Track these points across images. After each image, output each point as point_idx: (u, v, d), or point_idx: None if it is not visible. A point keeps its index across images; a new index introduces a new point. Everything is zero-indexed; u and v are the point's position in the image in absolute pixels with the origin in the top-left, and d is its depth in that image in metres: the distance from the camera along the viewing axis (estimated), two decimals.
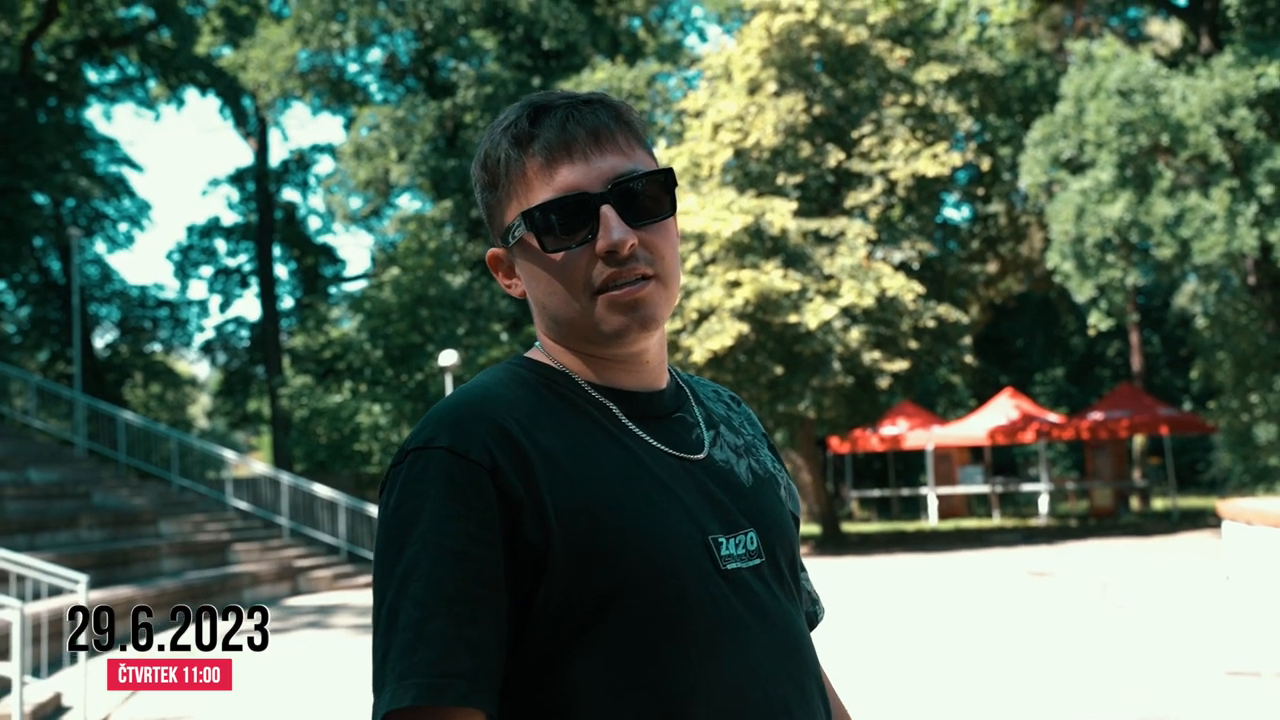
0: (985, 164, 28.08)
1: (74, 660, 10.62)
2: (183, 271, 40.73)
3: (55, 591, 11.16)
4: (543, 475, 1.35)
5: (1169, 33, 33.93)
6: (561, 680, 1.35)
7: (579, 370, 1.48)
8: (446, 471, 1.34)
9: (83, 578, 8.65)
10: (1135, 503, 33.12)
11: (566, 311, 1.44)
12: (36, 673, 9.49)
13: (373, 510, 22.38)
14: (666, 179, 1.46)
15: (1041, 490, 31.82)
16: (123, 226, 38.91)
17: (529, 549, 1.33)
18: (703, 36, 60.02)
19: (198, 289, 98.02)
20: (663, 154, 27.51)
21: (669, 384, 1.55)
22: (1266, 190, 21.96)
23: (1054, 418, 31.42)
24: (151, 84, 36.72)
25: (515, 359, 1.52)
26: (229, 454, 24.44)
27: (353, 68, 40.15)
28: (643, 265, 1.42)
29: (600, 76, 33.11)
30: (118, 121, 77.54)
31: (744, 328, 22.37)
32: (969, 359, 26.11)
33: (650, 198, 1.44)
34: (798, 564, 1.56)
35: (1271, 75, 21.53)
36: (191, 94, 41.96)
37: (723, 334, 22.33)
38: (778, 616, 1.44)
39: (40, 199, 32.85)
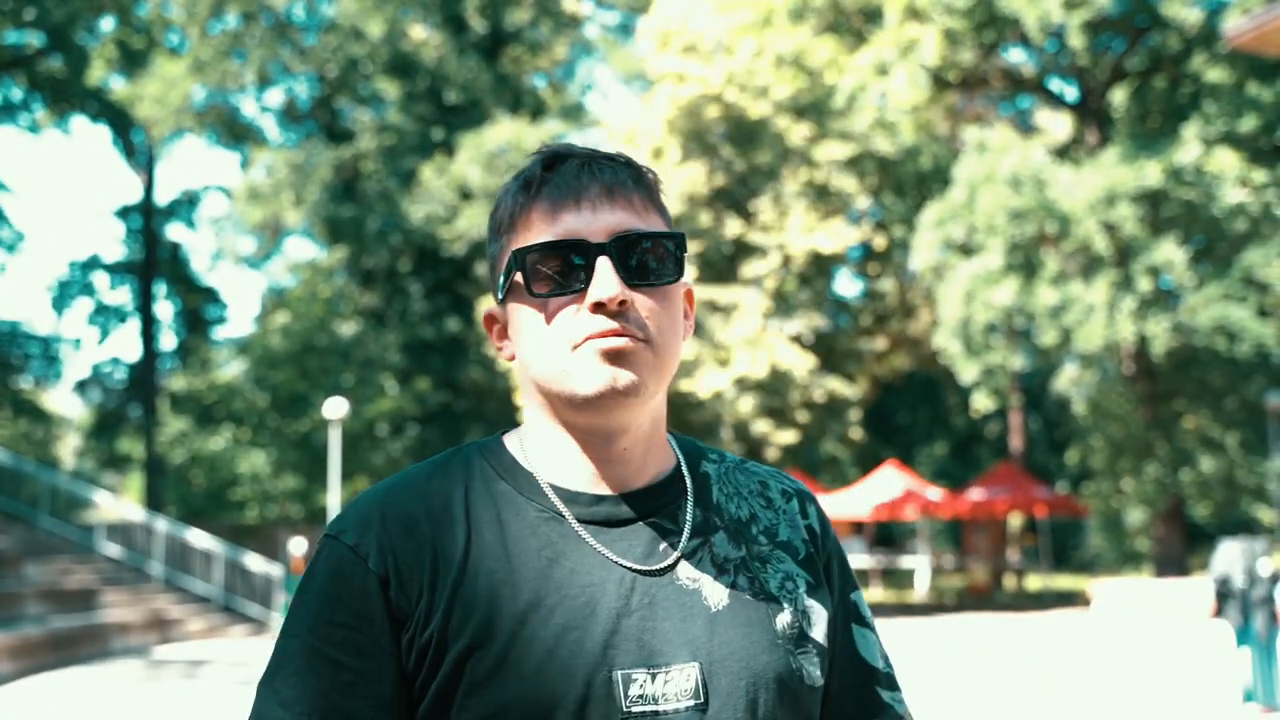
0: (879, 242, 28.85)
1: None
2: (60, 305, 39.79)
3: None
4: (441, 591, 1.29)
5: (1057, 124, 35.29)
6: None
7: (543, 459, 1.37)
8: (343, 571, 1.30)
9: None
10: (1010, 581, 33.90)
11: (547, 368, 1.33)
12: None
13: (249, 561, 22.00)
14: (677, 245, 1.35)
15: (920, 566, 32.43)
16: None
17: (412, 667, 1.29)
18: (605, 97, 60.77)
19: (73, 324, 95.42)
20: None
21: (660, 479, 1.39)
22: (1145, 283, 22.94)
23: (935, 493, 32.11)
24: (37, 110, 36.06)
25: (482, 442, 1.43)
26: (103, 496, 23.85)
27: (250, 108, 39.93)
28: (633, 326, 1.30)
29: (503, 134, 33.35)
30: None
31: None
32: (856, 433, 26.64)
33: (655, 259, 1.33)
34: (779, 703, 1.33)
35: (1153, 173, 22.54)
36: (80, 122, 41.15)
37: None
38: None
39: None
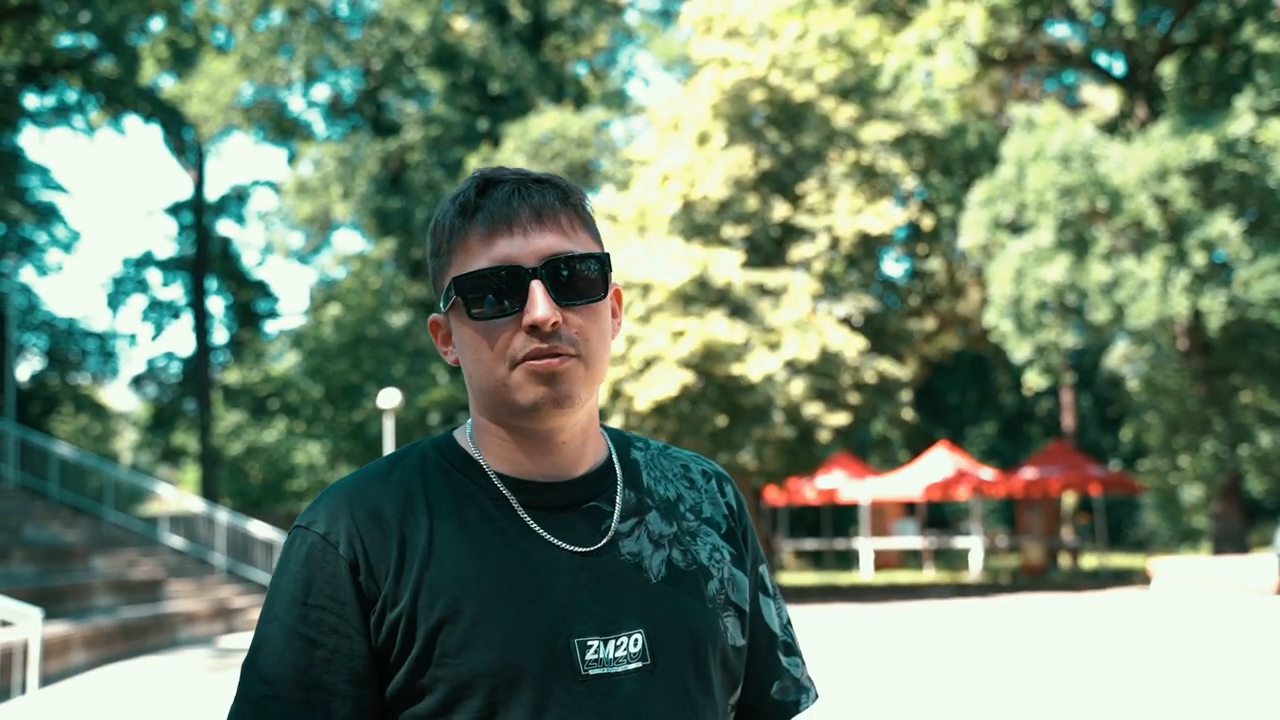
0: (927, 222, 28.72)
1: (16, 694, 10.58)
2: (115, 302, 40.35)
3: None
4: (407, 574, 1.40)
5: (1104, 99, 34.98)
6: None
7: (491, 454, 1.49)
8: (315, 558, 1.41)
9: (36, 612, 8.66)
10: (1065, 560, 33.74)
11: (488, 380, 1.44)
12: None
13: None
14: (603, 264, 1.46)
15: (974, 546, 32.34)
16: (52, 254, 38.47)
17: (382, 643, 1.40)
18: (647, 83, 60.72)
19: (128, 320, 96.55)
20: (609, 202, 27.84)
21: (596, 468, 1.52)
22: (1199, 258, 22.72)
23: (987, 473, 31.98)
24: (92, 111, 36.53)
25: (435, 438, 1.54)
26: (165, 489, 24.21)
27: (297, 103, 40.23)
28: (565, 344, 1.42)
29: (547, 123, 33.46)
30: (49, 146, 76.92)
31: (688, 378, 22.67)
32: (907, 414, 26.58)
33: (583, 279, 1.44)
34: (713, 663, 1.49)
35: (1205, 146, 22.32)
36: (133, 122, 41.60)
37: (667, 383, 22.60)
38: None
39: None
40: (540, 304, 1.40)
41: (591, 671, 1.40)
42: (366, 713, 1.40)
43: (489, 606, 1.39)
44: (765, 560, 1.67)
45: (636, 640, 1.43)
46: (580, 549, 1.46)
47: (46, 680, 11.60)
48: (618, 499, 1.51)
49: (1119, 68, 30.05)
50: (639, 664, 1.42)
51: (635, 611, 1.44)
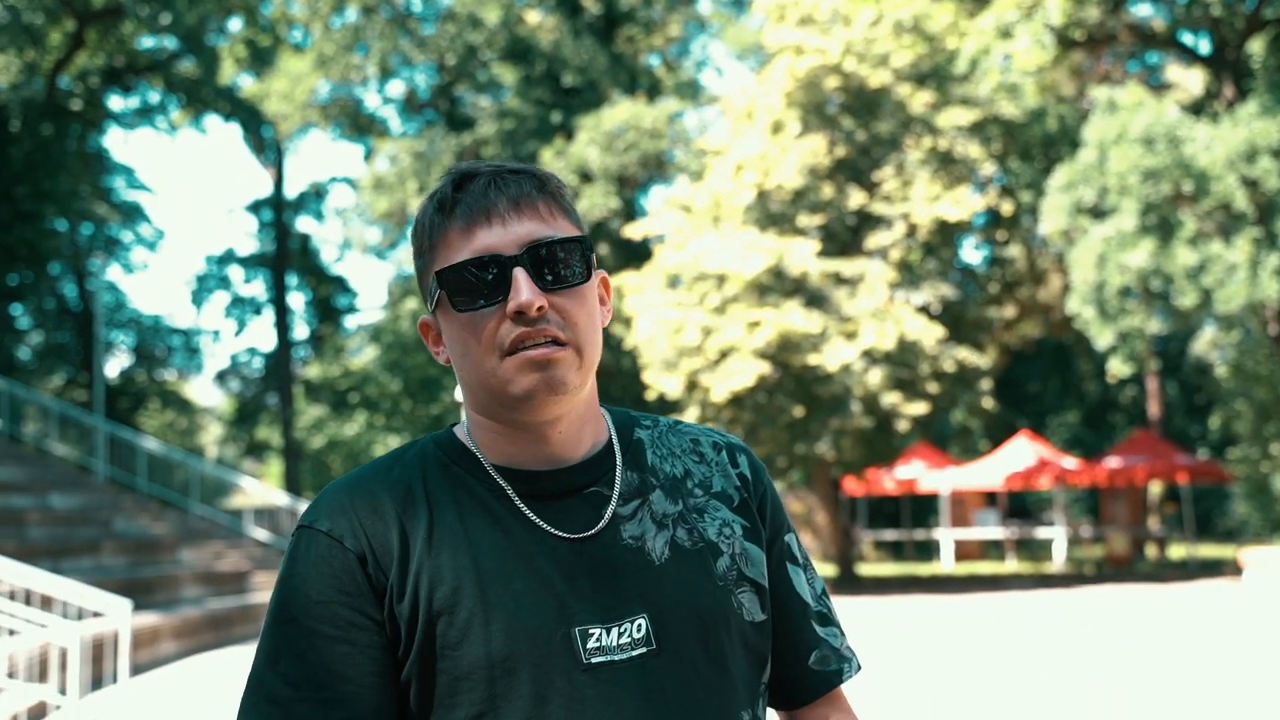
0: (1006, 208, 28.35)
1: (107, 683, 10.82)
2: (198, 299, 41.07)
3: (78, 616, 11.35)
4: (408, 566, 1.41)
5: (1189, 79, 34.29)
6: None
7: (487, 446, 1.49)
8: (323, 556, 1.41)
9: (126, 603, 8.85)
10: (1152, 550, 33.19)
11: (478, 373, 1.44)
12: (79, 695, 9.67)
13: None
14: (583, 246, 1.46)
15: (1057, 536, 31.92)
16: (138, 252, 39.23)
17: (392, 635, 1.41)
18: (720, 73, 60.54)
19: (212, 316, 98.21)
20: (683, 192, 27.82)
21: (595, 452, 1.52)
22: None
23: (1070, 462, 31.54)
24: (173, 111, 37.19)
25: (435, 435, 1.55)
26: (249, 482, 24.61)
27: (372, 99, 40.67)
28: (553, 328, 1.42)
29: (621, 115, 33.49)
30: (133, 146, 78.61)
31: (765, 368, 22.60)
32: (987, 403, 26.29)
33: (565, 264, 1.44)
34: (728, 641, 1.48)
35: None
36: (213, 121, 42.33)
37: (743, 374, 22.55)
38: (661, 709, 1.40)
39: (60, 225, 33.23)
40: (524, 289, 1.40)
41: (594, 660, 1.39)
42: (390, 703, 1.41)
43: (486, 598, 1.39)
44: (792, 529, 1.65)
45: (640, 625, 1.42)
46: (578, 536, 1.45)
47: (137, 670, 11.85)
48: (617, 481, 1.51)
49: (1205, 46, 29.45)
50: (644, 649, 1.42)
51: (637, 596, 1.44)
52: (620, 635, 1.41)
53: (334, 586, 1.41)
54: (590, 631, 1.40)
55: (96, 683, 10.75)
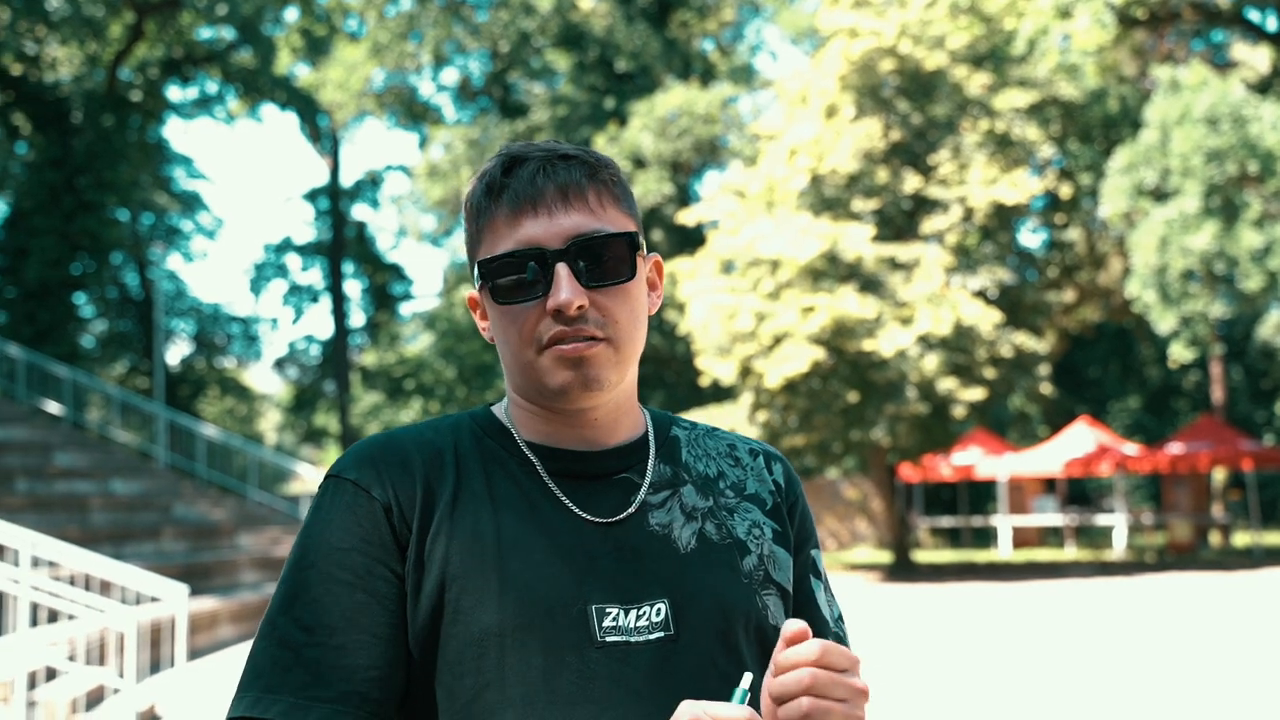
0: (1065, 191, 28.00)
1: (165, 667, 10.96)
2: (257, 287, 41.53)
3: (139, 600, 11.49)
4: (430, 526, 1.39)
5: (1256, 57, 33.66)
6: (423, 714, 1.40)
7: (522, 424, 1.49)
8: (349, 504, 1.40)
9: (183, 588, 8.96)
10: (1215, 538, 32.73)
11: (516, 363, 1.44)
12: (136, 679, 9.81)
13: None
14: (631, 242, 1.43)
15: (1117, 523, 31.56)
16: (197, 241, 39.71)
17: (412, 588, 1.38)
18: (774, 57, 60.26)
19: (270, 304, 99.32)
20: (737, 177, 27.71)
21: (630, 441, 1.51)
22: None
23: (1131, 449, 31.16)
24: (231, 100, 37.56)
25: (472, 410, 1.55)
26: (306, 469, 24.85)
27: (427, 87, 40.84)
28: (592, 327, 1.40)
29: (674, 100, 33.41)
30: (192, 136, 79.49)
31: (819, 354, 22.49)
32: (1046, 388, 26.01)
33: (611, 259, 1.42)
34: (744, 638, 1.44)
35: None
36: (270, 110, 42.72)
37: (797, 360, 22.45)
38: (673, 695, 1.34)
39: (121, 214, 33.68)
40: (565, 288, 1.38)
41: (609, 639, 1.37)
42: (402, 658, 1.39)
43: (504, 567, 1.38)
44: (818, 544, 1.62)
45: (660, 610, 1.40)
46: (605, 520, 1.44)
47: (194, 654, 12.00)
48: (649, 470, 1.50)
49: (1272, 23, 28.90)
50: (661, 634, 1.39)
51: (660, 581, 1.42)
52: (638, 618, 1.39)
53: (357, 534, 1.39)
54: (608, 610, 1.38)
55: (155, 666, 10.90)
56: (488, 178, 1.45)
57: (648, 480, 1.48)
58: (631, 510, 1.45)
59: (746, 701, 1.25)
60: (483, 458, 1.46)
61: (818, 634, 1.52)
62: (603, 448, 1.48)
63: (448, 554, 1.38)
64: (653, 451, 1.52)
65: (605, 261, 1.41)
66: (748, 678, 1.27)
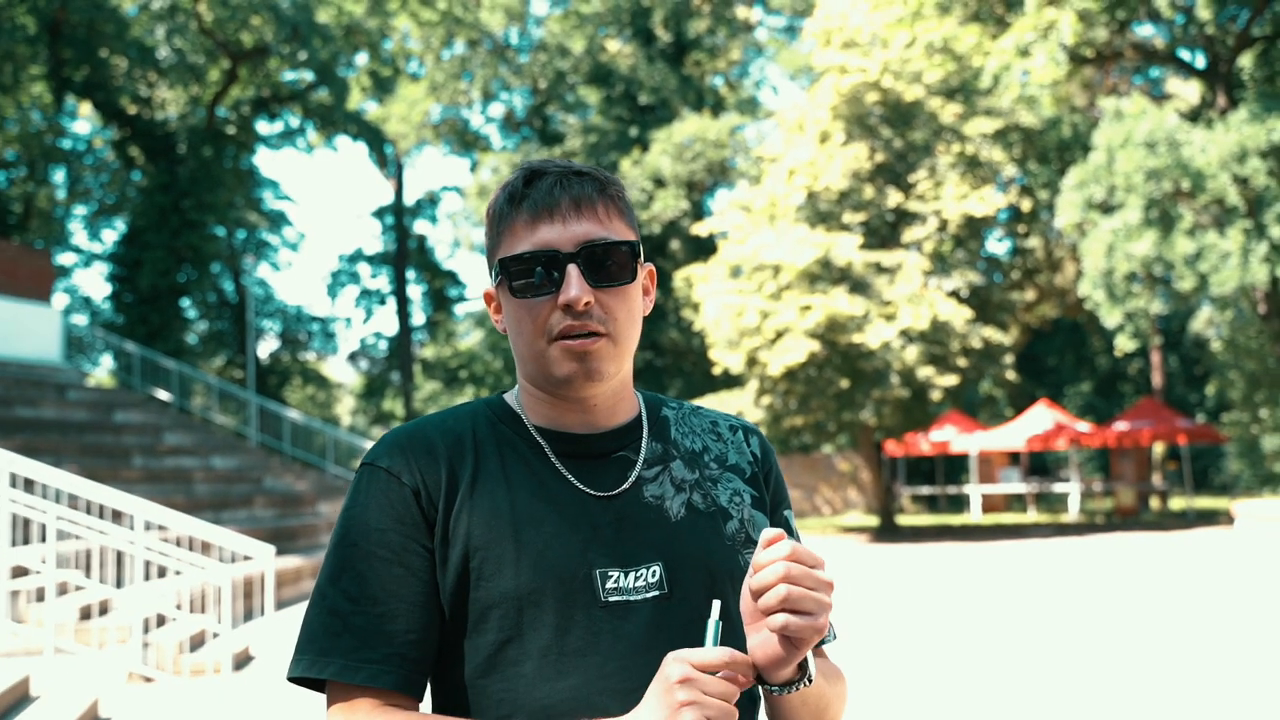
0: (1026, 205, 27.82)
1: (256, 616, 11.04)
2: (333, 292, 41.62)
3: (234, 559, 11.56)
4: (453, 504, 1.38)
5: (1188, 90, 33.33)
6: (455, 675, 1.39)
7: (531, 409, 1.47)
8: (383, 489, 1.39)
9: (270, 549, 9.00)
10: (1155, 503, 32.52)
11: (528, 351, 1.42)
12: (232, 626, 9.87)
13: None
14: (632, 250, 1.42)
15: (1072, 490, 31.38)
16: (282, 253, 39.82)
17: (441, 560, 1.38)
18: (775, 91, 60.01)
19: (344, 306, 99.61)
20: (744, 194, 27.63)
21: (626, 423, 1.49)
22: (1277, 231, 21.56)
23: (1083, 426, 30.97)
24: (310, 133, 37.66)
25: (488, 398, 1.53)
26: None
27: (477, 119, 40.86)
28: (595, 322, 1.38)
29: (689, 128, 33.31)
30: (277, 163, 79.86)
31: (815, 346, 22.42)
32: (1010, 375, 25.86)
33: (614, 264, 1.40)
34: (732, 595, 1.41)
35: None
36: (343, 141, 42.76)
37: (796, 351, 22.40)
38: (667, 645, 1.33)
39: (219, 231, 33.83)
40: (574, 285, 1.37)
41: (611, 599, 1.36)
42: (436, 621, 1.38)
43: (520, 537, 1.37)
44: (790, 506, 1.60)
45: (655, 572, 1.39)
46: (606, 493, 1.42)
47: (281, 605, 12.07)
48: (642, 448, 1.48)
49: (1200, 61, 28.58)
50: (656, 593, 1.39)
51: (654, 546, 1.41)
52: (636, 579, 1.39)
53: (391, 516, 1.38)
54: (609, 574, 1.38)
55: (248, 615, 10.97)
56: (510, 188, 1.44)
57: (642, 457, 1.47)
58: (628, 484, 1.44)
59: (720, 629, 1.25)
60: (497, 442, 1.45)
61: None
62: (602, 430, 1.47)
63: (470, 528, 1.38)
64: (646, 431, 1.50)
65: (610, 265, 1.40)
66: (716, 605, 1.26)
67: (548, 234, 1.39)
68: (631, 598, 1.38)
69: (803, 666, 1.31)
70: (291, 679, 1.38)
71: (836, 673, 1.52)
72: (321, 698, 1.40)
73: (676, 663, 1.22)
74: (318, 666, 1.35)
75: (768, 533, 1.26)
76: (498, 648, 1.36)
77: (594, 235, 1.40)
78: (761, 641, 1.26)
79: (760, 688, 1.35)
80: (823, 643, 1.53)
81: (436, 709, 1.41)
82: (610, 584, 1.37)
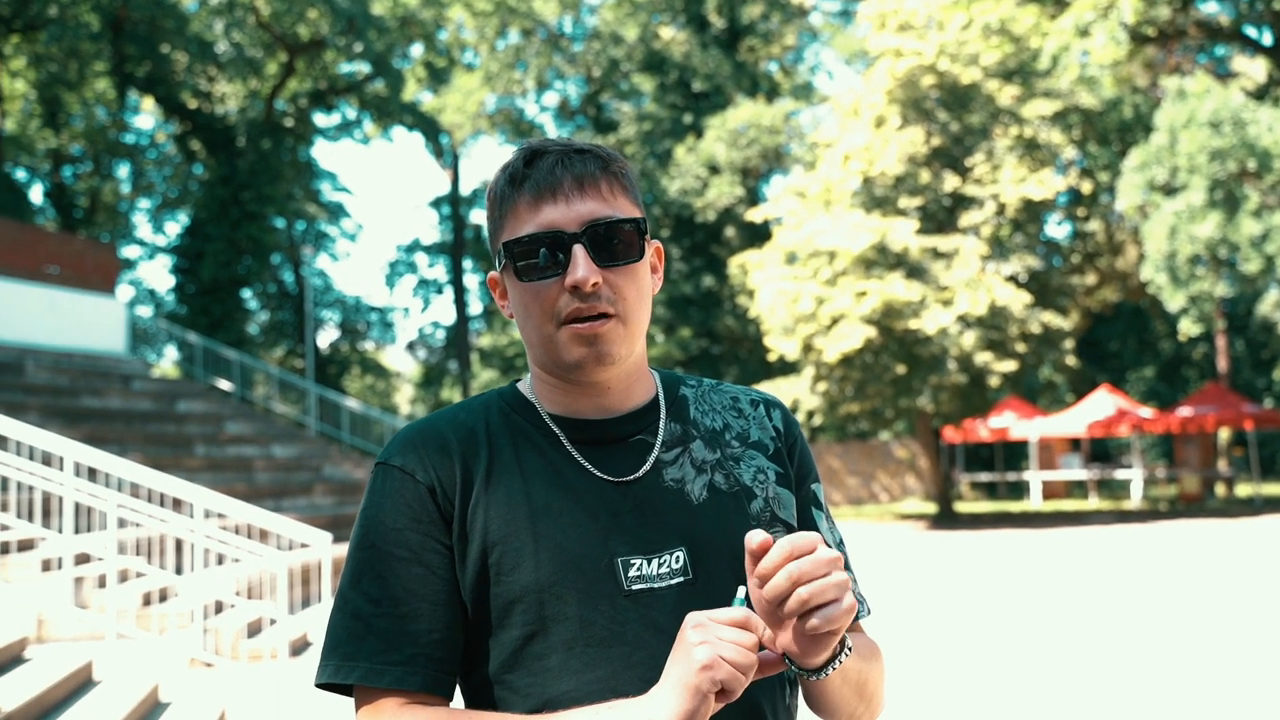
0: (1086, 188, 27.34)
1: (313, 603, 11.16)
2: (391, 282, 41.99)
3: (292, 547, 11.69)
4: (469, 499, 1.36)
5: (1254, 68, 32.51)
6: (480, 673, 1.37)
7: (545, 397, 1.43)
8: (398, 488, 1.36)
9: (327, 536, 9.09)
10: (1221, 489, 31.86)
11: (536, 336, 1.38)
12: (290, 612, 10.00)
13: None
14: (639, 227, 1.38)
15: (1135, 477, 30.84)
16: (341, 244, 40.21)
17: (460, 556, 1.35)
18: (830, 76, 59.48)
19: (402, 296, 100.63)
20: (798, 181, 27.43)
21: (642, 405, 1.45)
22: None
23: (1146, 412, 30.42)
24: (366, 124, 37.98)
25: (500, 389, 1.49)
26: None
27: (531, 109, 40.98)
28: (604, 304, 1.34)
29: (743, 115, 33.12)
30: (335, 155, 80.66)
31: (871, 332, 22.23)
32: (1070, 360, 25.46)
33: (621, 242, 1.36)
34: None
35: None
36: (399, 132, 43.09)
37: (852, 338, 22.23)
38: None
39: (279, 223, 34.24)
40: (581, 266, 1.33)
41: (635, 587, 1.33)
42: (459, 619, 1.36)
43: (537, 530, 1.34)
44: (819, 479, 1.55)
45: (678, 558, 1.36)
46: (623, 479, 1.38)
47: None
48: (660, 431, 1.44)
49: (1267, 38, 27.88)
50: (681, 579, 1.35)
51: (676, 532, 1.37)
52: (660, 566, 1.35)
53: (408, 515, 1.36)
54: (632, 561, 1.34)
55: (305, 601, 11.09)
56: (511, 169, 1.40)
57: (660, 440, 1.43)
58: (647, 469, 1.40)
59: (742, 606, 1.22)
60: (511, 433, 1.41)
61: None
62: (618, 414, 1.43)
63: (487, 523, 1.35)
64: (663, 413, 1.46)
65: (616, 244, 1.36)
66: (741, 590, 1.23)
67: (551, 214, 1.35)
68: (655, 585, 1.34)
69: (841, 641, 1.28)
70: (319, 685, 1.36)
71: (872, 646, 1.48)
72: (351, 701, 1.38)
73: (693, 614, 1.20)
74: (343, 671, 1.33)
75: (752, 539, 1.20)
76: (522, 643, 1.34)
77: (599, 214, 1.36)
78: (791, 635, 1.23)
79: (800, 676, 1.30)
80: (857, 618, 1.49)
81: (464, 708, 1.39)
82: (633, 572, 1.34)
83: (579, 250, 1.34)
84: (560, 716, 1.26)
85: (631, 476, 1.39)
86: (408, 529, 1.35)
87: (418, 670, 1.32)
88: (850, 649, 1.29)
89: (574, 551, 1.34)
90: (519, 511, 1.35)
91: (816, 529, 1.50)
